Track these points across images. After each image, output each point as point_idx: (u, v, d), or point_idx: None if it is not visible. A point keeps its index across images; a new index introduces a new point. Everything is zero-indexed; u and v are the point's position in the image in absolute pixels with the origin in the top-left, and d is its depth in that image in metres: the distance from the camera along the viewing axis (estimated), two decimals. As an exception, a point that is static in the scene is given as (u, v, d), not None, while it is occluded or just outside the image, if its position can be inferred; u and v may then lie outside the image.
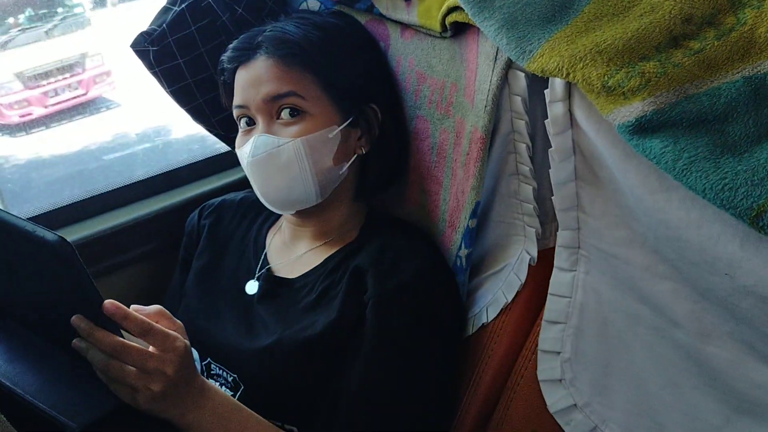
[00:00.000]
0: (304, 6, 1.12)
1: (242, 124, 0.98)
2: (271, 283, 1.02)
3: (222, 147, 1.26)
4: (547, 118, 0.80)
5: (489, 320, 0.94)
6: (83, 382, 0.75)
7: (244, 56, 0.97)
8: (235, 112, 0.99)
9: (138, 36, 1.06)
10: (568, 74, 0.69)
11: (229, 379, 0.95)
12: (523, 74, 0.80)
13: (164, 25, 1.05)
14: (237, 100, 0.97)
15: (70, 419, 0.70)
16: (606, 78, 0.66)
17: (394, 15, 0.98)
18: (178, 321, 0.80)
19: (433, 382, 0.91)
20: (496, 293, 0.94)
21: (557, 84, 0.75)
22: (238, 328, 0.98)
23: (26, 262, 0.73)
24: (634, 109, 0.66)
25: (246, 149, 0.96)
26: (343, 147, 0.97)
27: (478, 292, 0.98)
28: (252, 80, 0.95)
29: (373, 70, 1.03)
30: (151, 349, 0.73)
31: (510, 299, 0.92)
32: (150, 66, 1.08)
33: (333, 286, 0.96)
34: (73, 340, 0.73)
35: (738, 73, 0.63)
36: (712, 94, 0.63)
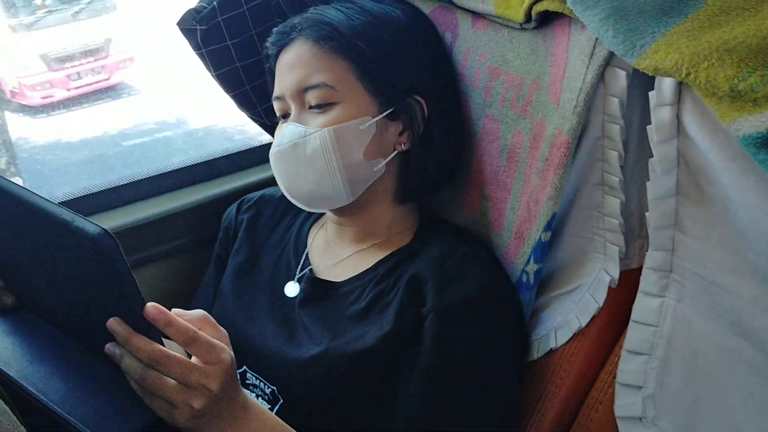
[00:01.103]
0: (366, -10, 1.03)
1: (281, 119, 0.93)
2: (314, 285, 0.93)
3: (266, 138, 1.18)
4: (644, 123, 0.72)
5: (558, 345, 0.85)
6: (114, 392, 0.67)
7: (283, 40, 0.91)
8: (275, 106, 0.93)
9: (186, 13, 0.98)
10: (688, 74, 0.60)
11: (267, 391, 0.86)
12: (624, 73, 0.71)
13: (215, 2, 0.96)
14: (275, 91, 0.92)
15: None
16: (736, 81, 0.57)
17: (466, 3, 0.90)
18: (223, 329, 0.72)
19: (497, 405, 0.82)
20: (568, 316, 0.85)
21: (666, 85, 0.67)
22: (278, 335, 0.90)
23: (58, 253, 0.65)
24: (767, 119, 0.57)
25: (274, 141, 0.90)
26: (377, 141, 0.88)
27: (544, 312, 0.89)
28: (288, 66, 0.90)
29: (426, 60, 0.94)
30: (193, 359, 0.65)
31: (584, 324, 0.83)
32: (196, 46, 1.00)
33: (385, 293, 0.87)
34: (106, 345, 0.64)
35: None
36: None
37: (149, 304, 0.62)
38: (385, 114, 0.88)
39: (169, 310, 0.65)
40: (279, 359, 0.87)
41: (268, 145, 1.21)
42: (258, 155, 1.22)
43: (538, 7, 0.76)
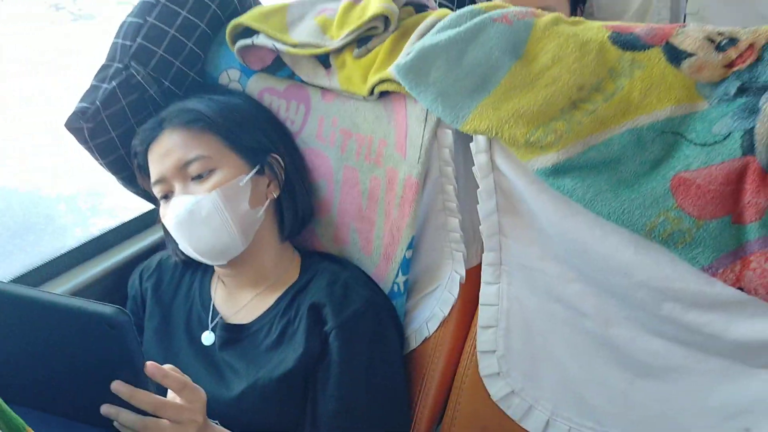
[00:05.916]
0: (224, 76, 1.22)
1: (162, 200, 1.09)
2: (228, 331, 1.10)
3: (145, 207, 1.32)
4: (468, 164, 0.99)
5: (430, 333, 1.11)
6: None
7: (151, 135, 1.08)
8: (155, 190, 1.08)
9: (71, 116, 1.10)
10: (496, 133, 0.87)
11: None
12: (450, 131, 0.98)
13: (97, 102, 1.10)
14: (154, 176, 1.07)
15: None
16: (528, 136, 0.85)
17: (315, 81, 1.12)
18: (185, 375, 0.88)
19: (395, 391, 1.06)
20: (434, 309, 1.11)
21: (480, 139, 0.94)
22: (209, 379, 1.05)
23: (62, 338, 0.75)
24: (550, 158, 0.85)
25: (169, 214, 1.06)
26: (255, 193, 1.09)
27: (415, 311, 1.14)
28: (164, 153, 1.06)
29: (269, 126, 1.17)
30: (177, 400, 0.82)
31: (446, 313, 1.09)
32: (84, 141, 1.13)
33: (291, 323, 1.07)
34: (102, 406, 0.79)
35: (623, 126, 0.82)
36: (608, 144, 0.82)
37: (149, 363, 0.78)
38: (255, 171, 1.09)
39: None
40: (217, 400, 1.02)
41: (150, 212, 1.35)
42: (141, 222, 1.34)
43: (381, 87, 1.02)
